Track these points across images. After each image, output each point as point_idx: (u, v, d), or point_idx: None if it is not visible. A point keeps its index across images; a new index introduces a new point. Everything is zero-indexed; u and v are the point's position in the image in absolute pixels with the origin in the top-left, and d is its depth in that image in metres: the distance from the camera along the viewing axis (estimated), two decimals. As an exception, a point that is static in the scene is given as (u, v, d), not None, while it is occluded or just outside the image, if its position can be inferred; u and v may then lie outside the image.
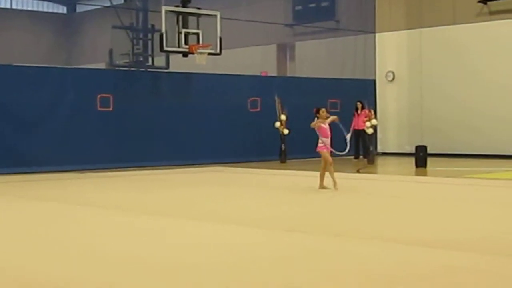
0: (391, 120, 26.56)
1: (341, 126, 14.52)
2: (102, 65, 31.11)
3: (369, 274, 6.49)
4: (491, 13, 24.37)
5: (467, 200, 12.62)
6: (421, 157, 20.13)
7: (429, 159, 20.27)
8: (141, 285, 6.25)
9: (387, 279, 6.31)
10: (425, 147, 20.36)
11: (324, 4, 28.75)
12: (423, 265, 6.86)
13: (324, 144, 14.01)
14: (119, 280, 6.45)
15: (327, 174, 14.04)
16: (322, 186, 14.02)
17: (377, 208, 11.53)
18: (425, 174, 18.15)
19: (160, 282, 6.31)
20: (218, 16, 21.57)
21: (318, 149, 14.12)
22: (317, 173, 14.32)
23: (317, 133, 14.10)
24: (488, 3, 24.18)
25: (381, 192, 13.93)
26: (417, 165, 19.98)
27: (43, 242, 8.58)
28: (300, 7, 29.32)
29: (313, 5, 28.98)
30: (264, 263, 7.08)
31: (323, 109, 14.24)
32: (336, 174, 14.14)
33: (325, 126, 14.06)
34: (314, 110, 14.39)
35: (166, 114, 21.91)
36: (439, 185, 15.27)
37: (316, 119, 14.12)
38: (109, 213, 11.27)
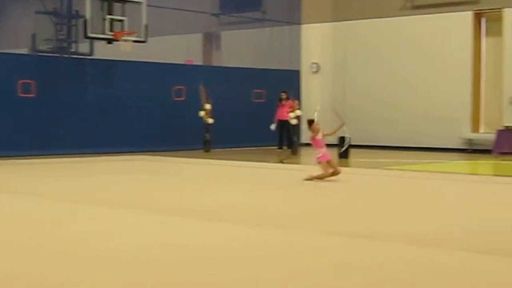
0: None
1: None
2: (24, 51, 30.52)
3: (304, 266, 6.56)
4: (414, 7, 24.76)
5: (388, 190, 12.83)
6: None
7: (351, 151, 20.52)
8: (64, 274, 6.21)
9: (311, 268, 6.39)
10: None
11: (251, -6, 28.74)
12: (344, 255, 6.97)
13: (322, 154, 13.94)
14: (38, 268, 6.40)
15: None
16: (312, 178, 13.94)
17: (300, 199, 11.64)
18: (347, 165, 18.37)
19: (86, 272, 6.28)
20: (144, 3, 21.45)
21: (318, 160, 13.95)
22: (241, 163, 14.35)
23: (313, 145, 14.09)
24: (412, -3, 24.63)
25: (303, 183, 14.00)
26: (340, 156, 20.19)
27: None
28: (226, -3, 29.25)
29: (240, -5, 28.94)
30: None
31: (315, 121, 14.25)
32: (259, 164, 14.18)
33: (319, 137, 14.04)
34: (307, 121, 14.40)
35: (89, 101, 21.70)
36: (361, 176, 15.47)
37: (309, 129, 14.15)
38: (33, 200, 11.12)
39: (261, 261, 6.66)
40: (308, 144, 25.90)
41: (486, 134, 22.93)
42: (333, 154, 15.03)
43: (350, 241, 7.64)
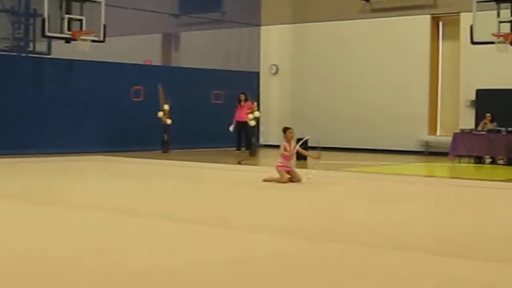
0: (274, 112, 26.87)
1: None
2: (-19, 49, 30.21)
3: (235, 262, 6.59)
4: (373, 10, 24.97)
5: (343, 192, 12.91)
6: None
7: (310, 152, 20.56)
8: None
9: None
10: (306, 140, 20.62)
11: (210, -5, 28.75)
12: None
13: (283, 164, 14.01)
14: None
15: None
16: (271, 179, 14.00)
17: (248, 199, 11.67)
18: (305, 167, 18.44)
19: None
20: (103, 3, 21.33)
21: (277, 168, 14.06)
22: (199, 164, 14.36)
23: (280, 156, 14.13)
24: (370, 0, 24.79)
25: (259, 184, 14.03)
26: (297, 158, 20.22)
27: None
28: (186, -3, 29.21)
29: (199, -5, 28.93)
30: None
31: (290, 130, 14.36)
32: (218, 166, 14.18)
33: (288, 152, 14.06)
34: (283, 129, 14.47)
35: (47, 101, 21.52)
36: (318, 178, 15.52)
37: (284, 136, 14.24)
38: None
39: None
40: (266, 146, 26.08)
41: (442, 137, 23.18)
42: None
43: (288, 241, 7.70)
